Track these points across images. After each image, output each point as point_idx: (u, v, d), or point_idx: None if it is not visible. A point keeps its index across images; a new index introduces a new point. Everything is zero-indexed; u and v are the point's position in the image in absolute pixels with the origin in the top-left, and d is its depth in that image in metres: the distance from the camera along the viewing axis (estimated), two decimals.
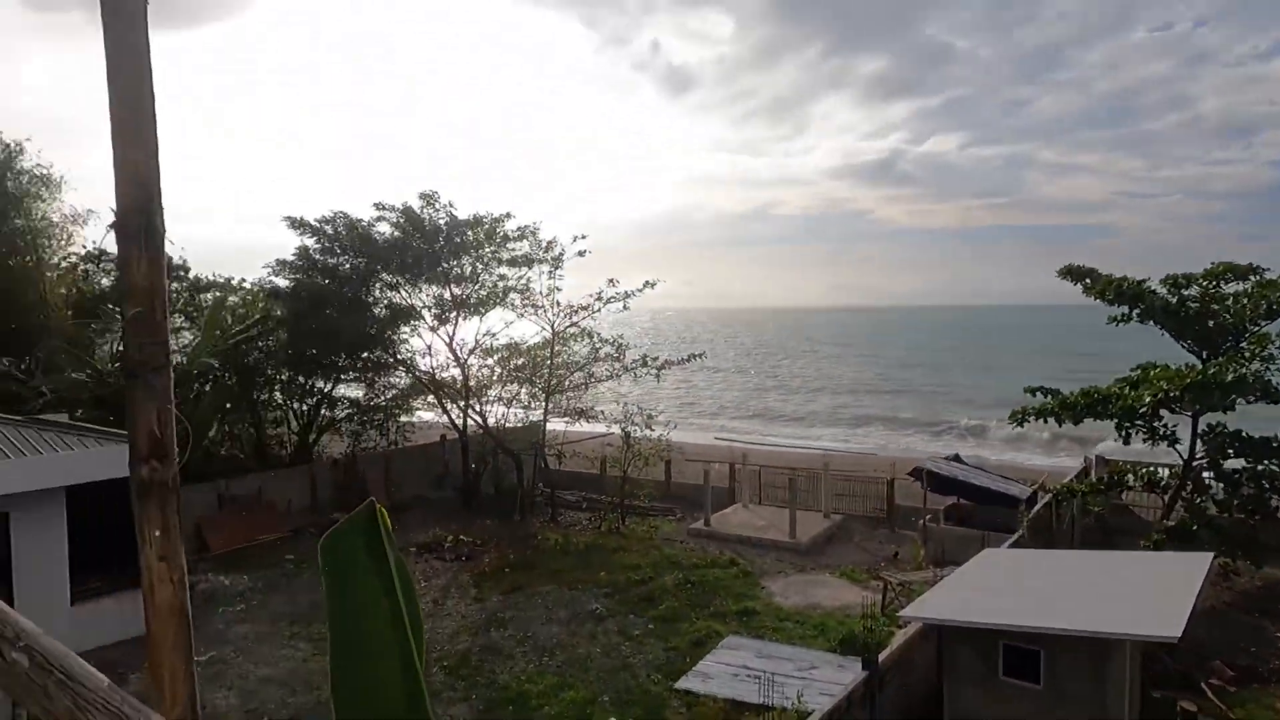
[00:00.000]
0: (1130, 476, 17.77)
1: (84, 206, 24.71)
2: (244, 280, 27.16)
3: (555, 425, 24.96)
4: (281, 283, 25.46)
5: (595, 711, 12.26)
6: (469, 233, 24.26)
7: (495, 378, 25.02)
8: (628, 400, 24.39)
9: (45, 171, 23.62)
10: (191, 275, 26.77)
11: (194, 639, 1.88)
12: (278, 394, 27.22)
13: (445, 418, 25.85)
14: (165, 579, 1.81)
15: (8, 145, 23.14)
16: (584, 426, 24.53)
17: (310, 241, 24.84)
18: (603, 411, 24.30)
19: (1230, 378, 14.91)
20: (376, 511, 1.86)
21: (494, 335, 25.47)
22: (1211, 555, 12.14)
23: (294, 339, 24.41)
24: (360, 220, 24.67)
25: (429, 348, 25.74)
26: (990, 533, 17.85)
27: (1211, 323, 17.48)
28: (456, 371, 25.18)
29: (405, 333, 25.80)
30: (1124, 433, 16.33)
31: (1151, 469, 18.17)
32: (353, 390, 27.53)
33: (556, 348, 24.29)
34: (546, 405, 24.12)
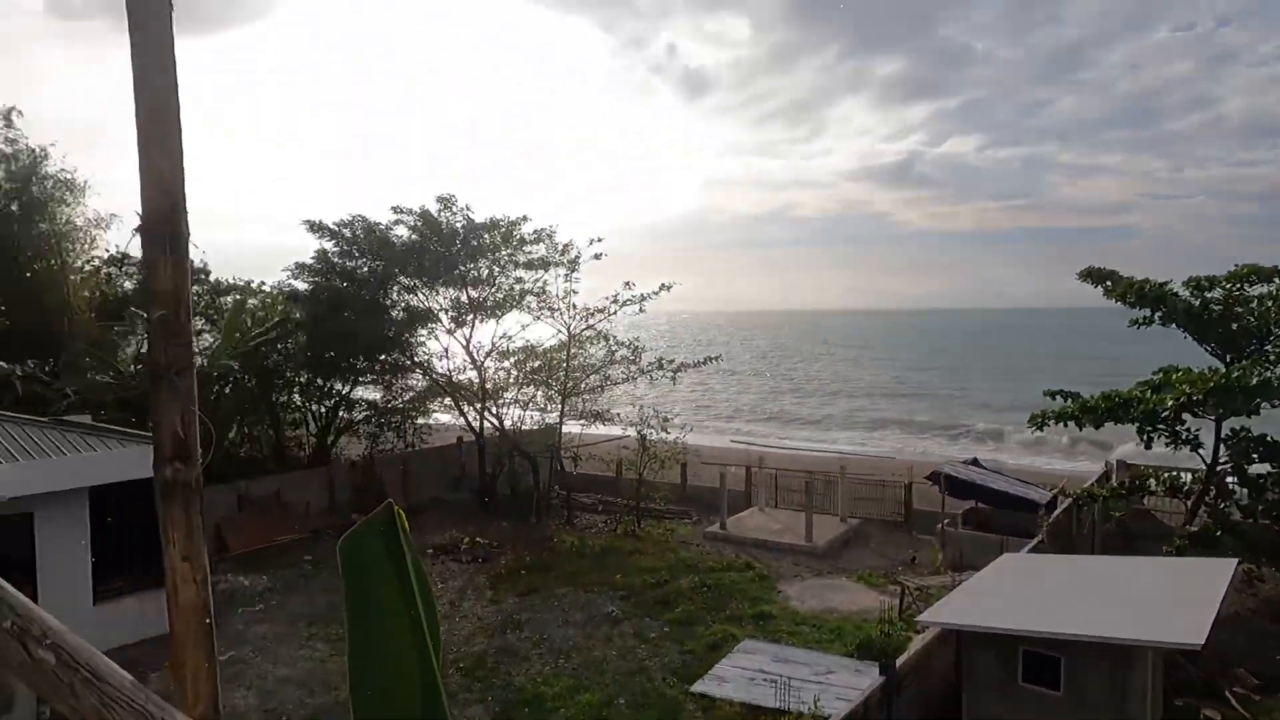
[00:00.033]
0: (1152, 481, 17.49)
1: (107, 211, 25.12)
2: (263, 283, 27.46)
3: (571, 428, 24.96)
4: (300, 285, 25.74)
5: (611, 714, 12.26)
6: (485, 236, 24.34)
7: (511, 380, 25.09)
8: (644, 403, 24.40)
9: (69, 176, 23.99)
10: (212, 278, 27.06)
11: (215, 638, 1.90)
12: (296, 396, 27.45)
13: (462, 420, 25.97)
14: (189, 579, 1.84)
15: (33, 151, 23.52)
16: (600, 429, 24.52)
17: (329, 244, 25.07)
18: (619, 414, 24.28)
19: (1254, 381, 14.67)
20: (395, 513, 1.88)
21: (510, 338, 25.60)
22: (1235, 561, 11.97)
23: (313, 341, 24.63)
24: (378, 224, 24.89)
25: (446, 350, 25.91)
26: (1009, 537, 17.69)
27: (1235, 326, 17.21)
28: (473, 374, 25.27)
29: (422, 335, 25.96)
30: (1145, 437, 16.10)
31: (1174, 473, 17.90)
32: (370, 392, 27.70)
33: (572, 350, 24.30)
34: (563, 408, 24.13)
